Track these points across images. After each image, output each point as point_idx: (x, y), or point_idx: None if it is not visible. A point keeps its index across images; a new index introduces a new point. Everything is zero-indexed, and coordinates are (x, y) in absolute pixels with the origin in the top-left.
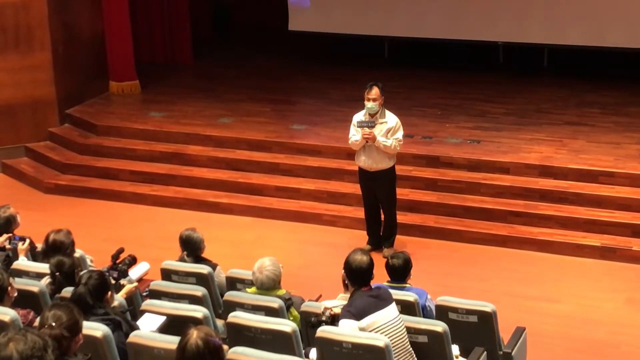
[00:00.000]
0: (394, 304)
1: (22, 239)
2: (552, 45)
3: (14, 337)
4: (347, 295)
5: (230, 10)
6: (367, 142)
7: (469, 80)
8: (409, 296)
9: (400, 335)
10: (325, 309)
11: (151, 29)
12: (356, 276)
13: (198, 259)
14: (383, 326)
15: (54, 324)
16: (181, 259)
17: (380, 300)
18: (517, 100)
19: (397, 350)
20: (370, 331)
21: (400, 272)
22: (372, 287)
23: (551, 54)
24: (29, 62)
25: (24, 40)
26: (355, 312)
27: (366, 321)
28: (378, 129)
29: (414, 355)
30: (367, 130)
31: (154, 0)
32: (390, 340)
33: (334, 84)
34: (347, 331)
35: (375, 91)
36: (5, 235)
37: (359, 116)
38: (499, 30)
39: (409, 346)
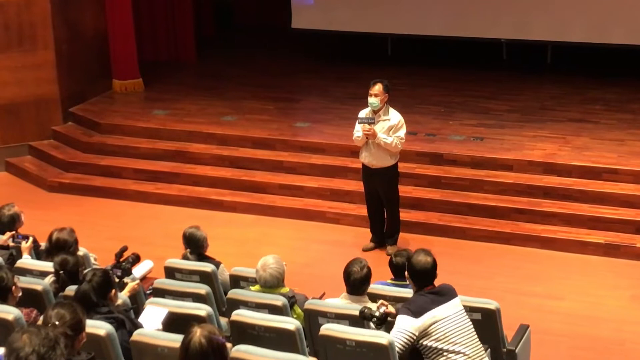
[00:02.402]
0: (456, 299)
1: (25, 237)
2: (555, 43)
3: (28, 330)
4: (349, 295)
5: (234, 8)
6: (367, 138)
7: (473, 78)
8: (409, 294)
9: (463, 328)
10: (382, 304)
11: (154, 27)
12: (420, 277)
13: (201, 256)
14: (442, 321)
15: (57, 322)
16: (184, 257)
17: (440, 296)
18: (520, 97)
19: (462, 342)
20: (430, 326)
21: (403, 270)
22: (435, 285)
23: (555, 51)
24: (32, 60)
25: (27, 38)
26: (414, 309)
27: (424, 318)
28: (380, 126)
29: (482, 348)
30: (366, 126)
31: None
32: (452, 334)
33: (337, 81)
34: (352, 329)
35: (377, 87)
36: (8, 233)
37: (364, 113)
38: (502, 28)
39: (476, 338)
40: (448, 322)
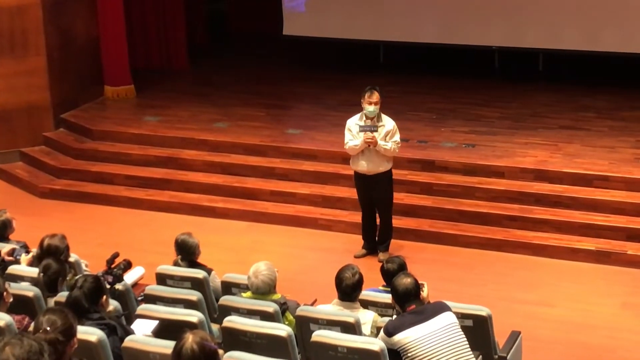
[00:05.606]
0: (443, 315)
1: (27, 251)
2: (547, 50)
3: (10, 342)
4: (340, 302)
5: (226, 15)
6: (368, 146)
7: (464, 85)
8: None
9: (448, 344)
10: None
11: (146, 34)
12: (403, 298)
13: (192, 263)
14: (419, 339)
15: (48, 328)
16: (175, 264)
17: (419, 315)
18: (512, 104)
19: (446, 357)
20: (404, 345)
21: (394, 277)
22: (423, 304)
23: (546, 58)
24: (24, 67)
25: (19, 45)
26: (390, 327)
27: (397, 337)
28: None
29: None
30: (369, 134)
31: (149, 5)
32: (432, 351)
33: (329, 88)
34: (344, 336)
35: (377, 95)
36: (8, 247)
37: (354, 120)
38: (494, 35)
39: (466, 352)
40: (427, 339)
